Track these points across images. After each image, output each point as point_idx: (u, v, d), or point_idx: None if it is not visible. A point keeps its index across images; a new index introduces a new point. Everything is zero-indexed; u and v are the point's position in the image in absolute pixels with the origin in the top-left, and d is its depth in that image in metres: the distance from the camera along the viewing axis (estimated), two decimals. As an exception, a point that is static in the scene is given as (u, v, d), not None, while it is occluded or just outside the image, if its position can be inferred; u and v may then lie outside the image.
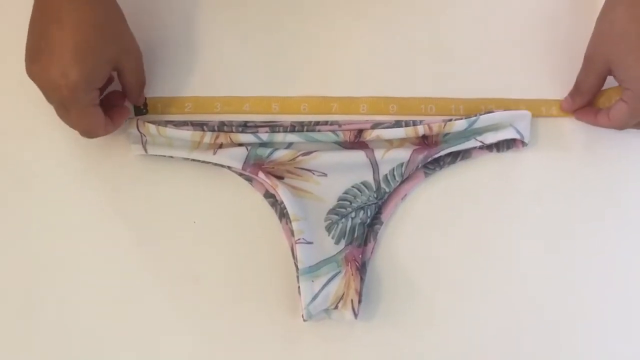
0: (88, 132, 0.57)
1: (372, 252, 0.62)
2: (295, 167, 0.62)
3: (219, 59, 0.64)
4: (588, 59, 0.59)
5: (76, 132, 0.60)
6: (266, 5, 0.65)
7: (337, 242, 0.61)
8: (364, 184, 0.62)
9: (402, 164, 0.61)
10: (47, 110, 0.62)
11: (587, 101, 0.61)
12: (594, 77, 0.59)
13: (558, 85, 0.63)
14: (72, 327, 0.61)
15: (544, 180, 0.63)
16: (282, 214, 0.61)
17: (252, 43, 0.64)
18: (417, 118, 0.62)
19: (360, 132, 0.61)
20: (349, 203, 0.62)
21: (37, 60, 0.53)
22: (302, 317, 0.59)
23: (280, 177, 0.62)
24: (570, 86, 0.62)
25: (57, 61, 0.52)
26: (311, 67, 0.64)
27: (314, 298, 0.60)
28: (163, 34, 0.64)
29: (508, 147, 0.63)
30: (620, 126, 0.59)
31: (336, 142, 0.62)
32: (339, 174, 0.62)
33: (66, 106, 0.55)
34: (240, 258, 0.62)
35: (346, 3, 0.65)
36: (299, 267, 0.60)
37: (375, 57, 0.64)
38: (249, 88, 0.63)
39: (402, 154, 0.61)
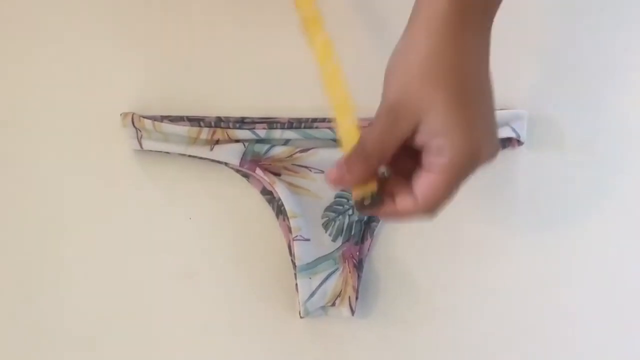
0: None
1: (369, 249, 0.62)
2: (292, 164, 0.62)
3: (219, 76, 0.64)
4: (389, 107, 0.42)
5: (71, 127, 0.60)
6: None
7: (335, 240, 0.61)
8: None
9: (399, 161, 0.62)
10: (44, 105, 0.62)
11: (370, 170, 0.43)
12: (391, 135, 0.41)
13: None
14: (67, 322, 0.60)
15: (540, 179, 0.63)
16: (279, 211, 0.61)
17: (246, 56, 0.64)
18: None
19: (360, 129, 0.61)
20: (346, 200, 0.62)
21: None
22: (299, 313, 0.60)
23: (277, 174, 0.62)
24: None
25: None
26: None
27: (312, 295, 0.60)
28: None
29: (504, 146, 0.63)
30: (433, 208, 0.42)
31: (333, 140, 0.62)
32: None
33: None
34: (237, 254, 0.61)
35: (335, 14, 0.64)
36: (296, 264, 0.60)
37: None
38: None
39: (399, 151, 0.62)
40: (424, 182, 0.41)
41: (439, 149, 0.40)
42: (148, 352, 0.60)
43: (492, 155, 0.42)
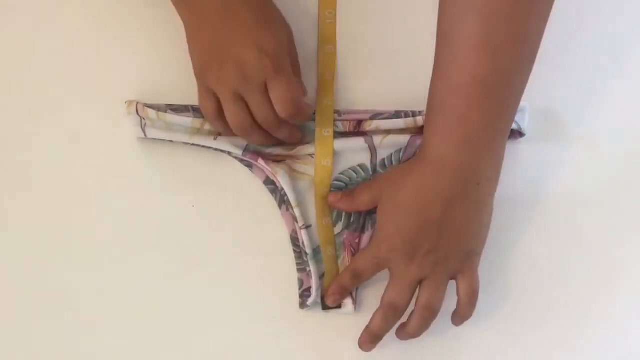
0: (296, 105, 0.56)
1: (370, 240, 0.62)
2: (295, 152, 0.62)
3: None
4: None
5: (76, 113, 0.60)
6: None
7: (334, 225, 0.62)
8: (361, 166, 0.62)
9: (400, 150, 0.62)
10: (47, 91, 0.62)
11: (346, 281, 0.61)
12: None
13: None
14: (69, 307, 0.61)
15: (541, 171, 0.63)
16: (282, 201, 0.62)
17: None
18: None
19: (360, 122, 0.61)
20: (344, 185, 0.63)
21: (223, 56, 0.54)
22: (306, 302, 0.61)
23: (279, 161, 0.62)
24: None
25: (249, 41, 0.54)
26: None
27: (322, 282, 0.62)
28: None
29: (506, 138, 0.63)
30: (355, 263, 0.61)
31: (336, 132, 0.62)
32: (338, 158, 0.62)
33: (271, 81, 0.54)
34: (239, 243, 0.62)
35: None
36: (307, 252, 0.61)
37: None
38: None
39: (401, 139, 0.62)
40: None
41: None
42: (149, 339, 0.61)
43: (389, 246, 0.58)
